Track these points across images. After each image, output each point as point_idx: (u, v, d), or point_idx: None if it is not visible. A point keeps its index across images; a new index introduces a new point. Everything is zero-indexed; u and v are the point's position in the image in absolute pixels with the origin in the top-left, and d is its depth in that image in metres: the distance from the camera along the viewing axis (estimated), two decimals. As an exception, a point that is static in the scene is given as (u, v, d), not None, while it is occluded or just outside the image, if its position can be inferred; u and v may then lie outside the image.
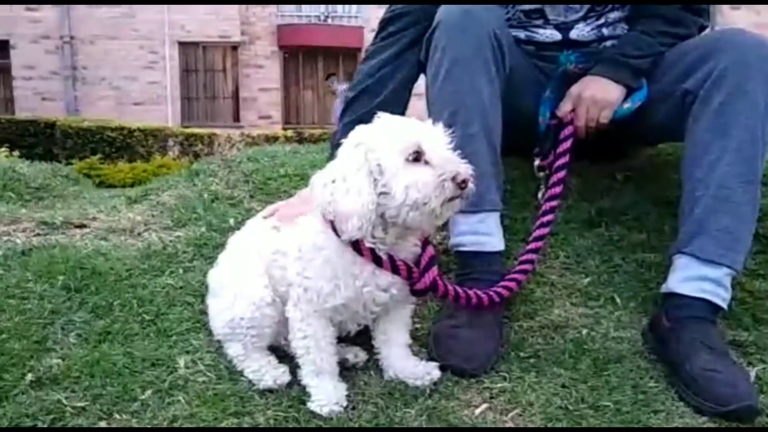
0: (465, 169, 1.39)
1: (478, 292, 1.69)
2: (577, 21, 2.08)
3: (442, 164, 1.37)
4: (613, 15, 2.09)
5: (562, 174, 1.95)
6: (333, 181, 1.40)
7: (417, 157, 1.38)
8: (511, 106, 1.89)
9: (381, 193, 1.39)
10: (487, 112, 1.82)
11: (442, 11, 1.88)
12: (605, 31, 2.08)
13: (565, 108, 1.98)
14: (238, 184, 2.54)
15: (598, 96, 1.93)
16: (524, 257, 1.86)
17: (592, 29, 2.08)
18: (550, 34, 2.10)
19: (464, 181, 1.38)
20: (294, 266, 1.50)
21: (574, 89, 1.98)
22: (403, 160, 1.38)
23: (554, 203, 1.93)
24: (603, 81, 1.94)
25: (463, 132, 1.77)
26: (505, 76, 1.88)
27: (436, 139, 1.42)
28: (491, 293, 1.71)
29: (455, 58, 1.82)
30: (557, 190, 1.93)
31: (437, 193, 1.36)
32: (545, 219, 1.91)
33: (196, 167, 2.73)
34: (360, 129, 1.45)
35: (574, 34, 2.08)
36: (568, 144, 1.96)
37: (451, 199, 1.39)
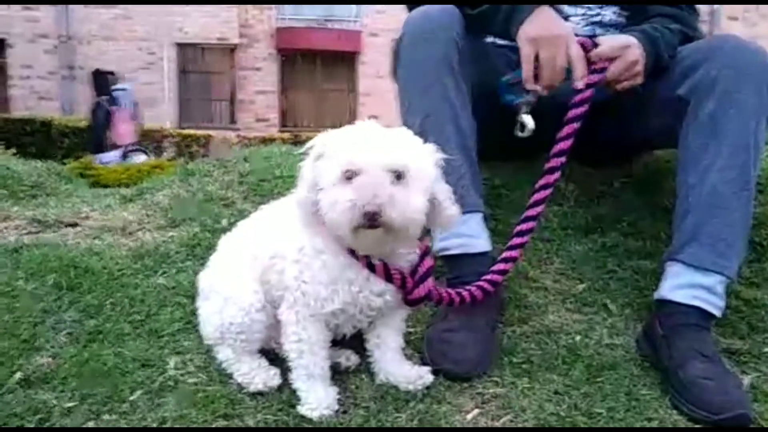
0: (377, 201, 1.27)
1: (471, 288, 1.67)
2: (571, 15, 2.07)
3: (358, 189, 1.30)
4: (609, 16, 2.09)
5: (567, 144, 1.80)
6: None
7: (350, 176, 1.32)
8: (492, 104, 1.88)
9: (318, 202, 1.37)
10: (458, 116, 1.81)
11: (407, 22, 1.89)
12: (599, 30, 2.08)
13: (607, 53, 1.81)
14: (233, 185, 2.53)
15: (638, 54, 1.81)
16: (519, 227, 1.80)
17: (587, 24, 2.08)
18: None
19: (368, 213, 1.27)
20: (292, 269, 1.49)
21: (618, 41, 1.83)
22: (338, 176, 1.33)
23: (556, 175, 1.81)
24: (641, 49, 1.82)
25: (436, 138, 1.76)
26: (473, 78, 1.87)
27: (372, 159, 1.32)
28: (483, 284, 1.69)
29: (421, 68, 1.82)
30: (561, 160, 1.81)
31: (344, 219, 1.30)
32: (546, 181, 1.81)
33: (191, 167, 2.72)
34: (323, 134, 1.42)
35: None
36: (590, 92, 1.80)
37: (365, 227, 1.30)
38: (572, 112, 1.80)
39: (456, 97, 1.82)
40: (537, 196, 1.80)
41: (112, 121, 8.37)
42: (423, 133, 1.75)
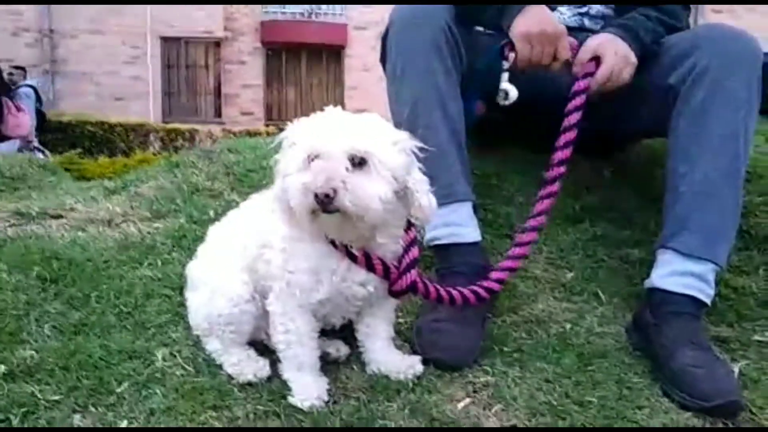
0: (329, 184, 1.26)
1: (463, 291, 1.63)
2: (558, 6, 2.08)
3: (313, 173, 1.29)
4: (596, 8, 2.09)
5: (571, 135, 1.78)
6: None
7: (312, 161, 1.32)
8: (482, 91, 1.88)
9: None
10: (447, 104, 1.81)
11: (394, 11, 1.89)
12: (587, 21, 2.07)
13: (584, 57, 1.83)
14: (219, 176, 2.50)
15: (624, 51, 1.81)
16: (520, 238, 1.76)
17: (574, 15, 2.07)
18: None
19: (318, 196, 1.26)
20: (277, 258, 1.47)
21: (593, 41, 1.84)
22: (302, 161, 1.33)
23: (561, 169, 1.77)
24: (622, 41, 1.83)
25: (425, 124, 1.77)
26: (461, 67, 1.86)
27: (332, 144, 1.30)
28: (478, 290, 1.65)
29: (410, 53, 1.82)
30: (561, 170, 1.77)
31: (299, 203, 1.30)
32: (548, 191, 1.77)
33: (176, 159, 2.69)
34: (295, 122, 1.40)
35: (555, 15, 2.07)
36: (581, 99, 1.80)
37: (321, 211, 1.29)
38: (567, 120, 1.78)
39: (445, 82, 1.81)
40: (539, 207, 1.76)
41: (3, 114, 8.38)
42: (411, 120, 1.75)
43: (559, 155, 1.76)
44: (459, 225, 1.81)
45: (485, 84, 1.88)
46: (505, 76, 1.81)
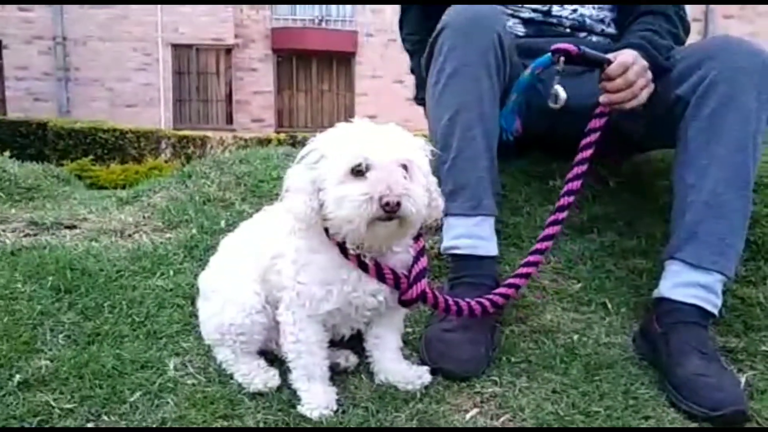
0: (396, 192, 1.30)
1: (471, 302, 1.66)
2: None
3: (374, 183, 1.31)
4: (590, 11, 2.13)
5: (588, 153, 1.80)
6: (286, 190, 1.42)
7: (360, 171, 1.33)
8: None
9: (322, 204, 1.38)
10: (488, 118, 1.83)
11: (449, 14, 1.88)
12: (588, 21, 2.08)
13: (625, 61, 1.76)
14: (230, 187, 2.53)
15: (648, 75, 1.79)
16: (528, 259, 1.80)
17: (572, 11, 2.10)
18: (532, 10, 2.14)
19: (388, 204, 1.30)
20: (289, 269, 1.50)
21: (624, 58, 1.78)
22: (345, 173, 1.34)
23: (565, 213, 1.81)
24: (644, 61, 1.80)
25: (463, 135, 1.79)
26: (505, 83, 1.88)
27: (384, 154, 1.34)
28: (485, 302, 1.67)
29: (459, 63, 1.82)
30: (570, 199, 1.81)
31: (360, 212, 1.31)
32: (556, 218, 1.81)
33: (188, 169, 2.71)
34: (320, 135, 1.43)
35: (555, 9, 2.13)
36: (594, 137, 1.81)
37: (381, 219, 1.32)
38: (580, 154, 1.81)
39: (488, 96, 1.82)
40: (548, 231, 1.80)
41: None
42: (450, 127, 1.77)
43: (569, 186, 1.80)
44: (481, 238, 1.83)
45: (528, 94, 1.89)
46: (557, 78, 1.80)
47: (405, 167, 1.36)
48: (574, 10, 2.16)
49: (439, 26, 1.89)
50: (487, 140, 1.83)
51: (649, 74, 1.79)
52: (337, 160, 1.35)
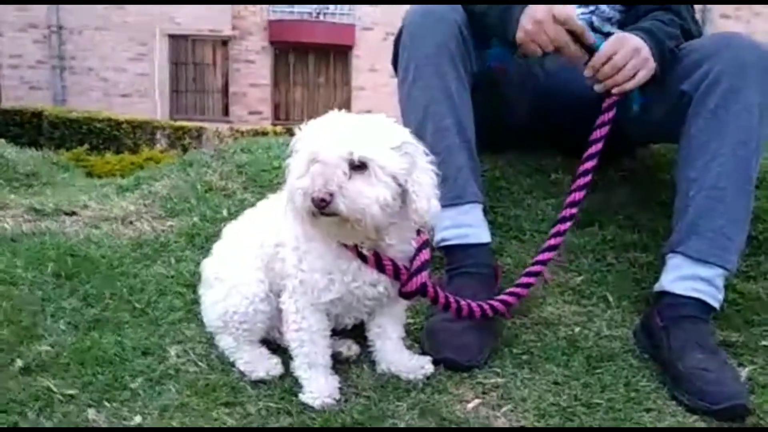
0: (326, 188, 1.29)
1: (472, 304, 1.65)
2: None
3: (312, 178, 1.32)
4: (607, 11, 2.11)
5: (580, 195, 1.82)
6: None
7: (312, 165, 1.35)
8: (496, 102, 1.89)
9: None
10: (457, 107, 1.83)
11: (408, 12, 1.91)
12: (596, 21, 2.08)
13: (607, 50, 1.76)
14: (232, 176, 2.52)
15: (645, 53, 1.77)
16: (529, 269, 1.80)
17: (583, 14, 2.09)
18: None
19: (315, 200, 1.30)
20: (291, 257, 1.50)
21: (604, 46, 1.78)
22: (306, 165, 1.36)
23: (568, 224, 1.81)
24: (642, 42, 1.78)
25: (435, 127, 1.80)
26: (473, 69, 1.88)
27: (330, 150, 1.32)
28: (485, 307, 1.67)
29: (422, 56, 1.84)
30: (573, 211, 1.82)
31: (300, 206, 1.34)
32: (565, 213, 1.82)
33: (189, 158, 2.71)
34: (303, 127, 1.43)
35: None
36: (597, 147, 1.83)
37: (316, 214, 1.33)
38: (583, 166, 1.82)
39: (456, 87, 1.82)
40: (551, 242, 1.80)
41: None
42: (422, 124, 1.77)
43: (573, 197, 1.81)
44: (470, 226, 1.83)
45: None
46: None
47: (360, 164, 1.32)
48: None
49: (400, 26, 1.91)
50: (459, 128, 1.82)
51: (645, 54, 1.77)
52: (299, 154, 1.39)
